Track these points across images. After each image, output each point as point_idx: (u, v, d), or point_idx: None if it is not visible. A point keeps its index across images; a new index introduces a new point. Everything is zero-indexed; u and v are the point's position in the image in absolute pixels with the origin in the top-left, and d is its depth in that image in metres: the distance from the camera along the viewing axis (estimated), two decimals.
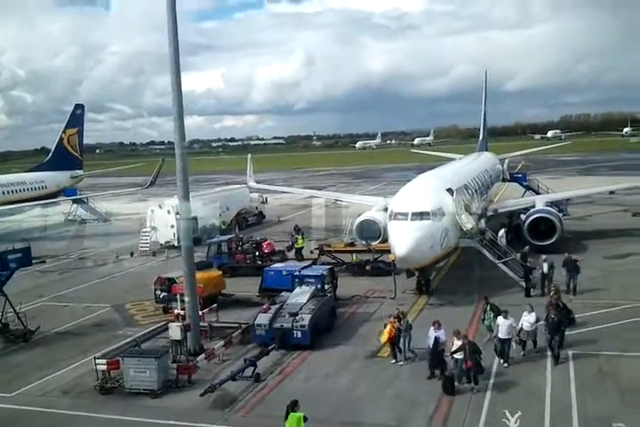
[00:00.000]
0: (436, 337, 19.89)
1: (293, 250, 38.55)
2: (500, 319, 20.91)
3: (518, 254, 30.06)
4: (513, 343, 21.00)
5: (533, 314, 21.33)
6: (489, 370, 20.05)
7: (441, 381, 19.04)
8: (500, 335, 20.71)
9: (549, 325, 20.93)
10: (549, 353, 20.86)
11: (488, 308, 22.80)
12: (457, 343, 19.31)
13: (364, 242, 36.32)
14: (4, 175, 66.05)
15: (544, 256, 29.30)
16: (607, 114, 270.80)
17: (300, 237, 38.85)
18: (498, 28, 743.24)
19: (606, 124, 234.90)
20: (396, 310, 22.42)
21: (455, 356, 19.22)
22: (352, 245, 36.64)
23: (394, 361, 21.30)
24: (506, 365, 20.47)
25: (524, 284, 28.76)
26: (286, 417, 15.21)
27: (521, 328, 21.16)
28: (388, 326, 21.40)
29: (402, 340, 21.38)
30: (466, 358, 18.84)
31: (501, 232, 32.58)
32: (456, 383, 18.86)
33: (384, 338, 21.43)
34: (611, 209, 53.47)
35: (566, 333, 22.56)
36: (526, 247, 31.34)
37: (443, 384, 18.79)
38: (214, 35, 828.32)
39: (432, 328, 20.29)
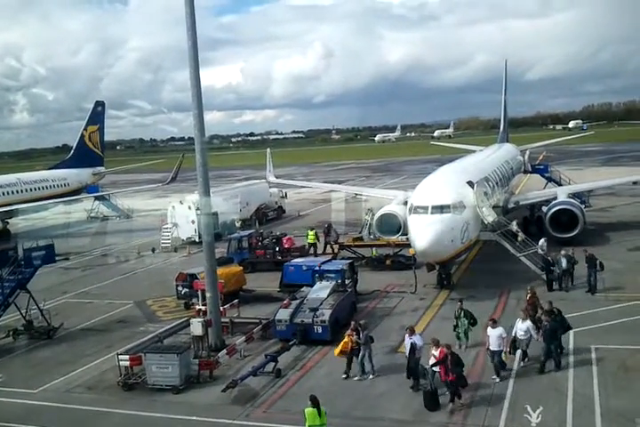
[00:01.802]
0: (411, 344, 19.04)
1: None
2: (489, 329, 19.57)
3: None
4: (503, 355, 19.37)
5: (528, 322, 20.10)
6: (509, 366, 19.83)
7: (420, 392, 18.06)
8: (491, 347, 19.39)
9: (544, 333, 19.75)
10: (545, 361, 19.52)
11: (462, 314, 21.85)
12: (435, 354, 18.16)
13: (371, 236, 36.38)
14: (27, 173, 66.80)
15: (563, 251, 28.96)
16: (630, 103, 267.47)
17: (311, 232, 38.79)
18: (518, 16, 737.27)
19: (629, 114, 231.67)
20: (352, 323, 20.98)
21: (433, 369, 18.03)
22: (360, 239, 36.66)
23: (344, 376, 20.01)
24: (498, 380, 18.96)
25: (545, 277, 28.53)
26: (319, 412, 15.08)
27: (515, 337, 20.06)
28: (345, 339, 20.24)
29: (361, 354, 20.03)
30: (448, 370, 17.58)
31: (542, 241, 30.46)
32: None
33: (336, 351, 20.35)
34: (634, 200, 52.80)
35: (589, 327, 22.46)
36: (571, 251, 29.33)
37: (424, 399, 17.60)
38: (232, 29, 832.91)
39: (406, 335, 19.47)
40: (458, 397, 17.62)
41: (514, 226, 30.91)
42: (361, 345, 20.10)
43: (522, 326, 20.10)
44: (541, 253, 29.61)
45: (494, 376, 19.12)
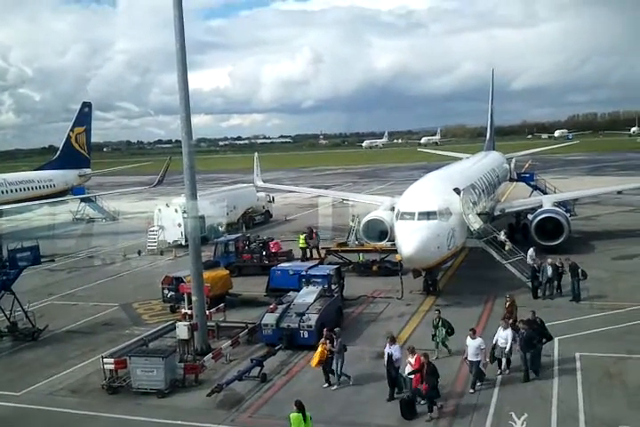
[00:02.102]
0: (388, 354, 18.86)
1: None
2: (469, 340, 19.36)
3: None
4: (481, 367, 19.21)
5: (508, 330, 20.00)
6: (491, 375, 19.87)
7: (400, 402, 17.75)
8: (469, 357, 19.27)
9: (520, 341, 19.69)
10: (526, 369, 19.61)
11: (440, 323, 21.71)
12: (410, 361, 18.21)
13: (357, 242, 36.43)
14: (12, 173, 66.32)
15: (550, 260, 29.15)
16: (614, 113, 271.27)
17: (302, 236, 38.81)
18: (504, 26, 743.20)
19: (613, 124, 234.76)
20: (325, 331, 20.71)
21: (409, 376, 18.12)
22: (345, 245, 36.77)
23: (326, 385, 19.79)
24: (472, 391, 18.78)
25: (530, 285, 28.69)
26: (304, 417, 15.15)
27: (495, 345, 20.00)
28: (320, 348, 19.90)
29: (334, 362, 19.83)
30: (422, 380, 17.52)
31: (531, 251, 30.64)
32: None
33: (314, 362, 19.92)
34: (618, 209, 53.29)
35: (573, 335, 22.59)
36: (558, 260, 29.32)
37: (400, 408, 17.48)
38: (221, 33, 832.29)
39: (387, 344, 19.31)
40: (429, 409, 17.46)
41: (502, 236, 30.99)
42: (335, 353, 19.89)
43: (502, 334, 20.12)
44: (530, 262, 29.75)
45: (471, 390, 18.94)
